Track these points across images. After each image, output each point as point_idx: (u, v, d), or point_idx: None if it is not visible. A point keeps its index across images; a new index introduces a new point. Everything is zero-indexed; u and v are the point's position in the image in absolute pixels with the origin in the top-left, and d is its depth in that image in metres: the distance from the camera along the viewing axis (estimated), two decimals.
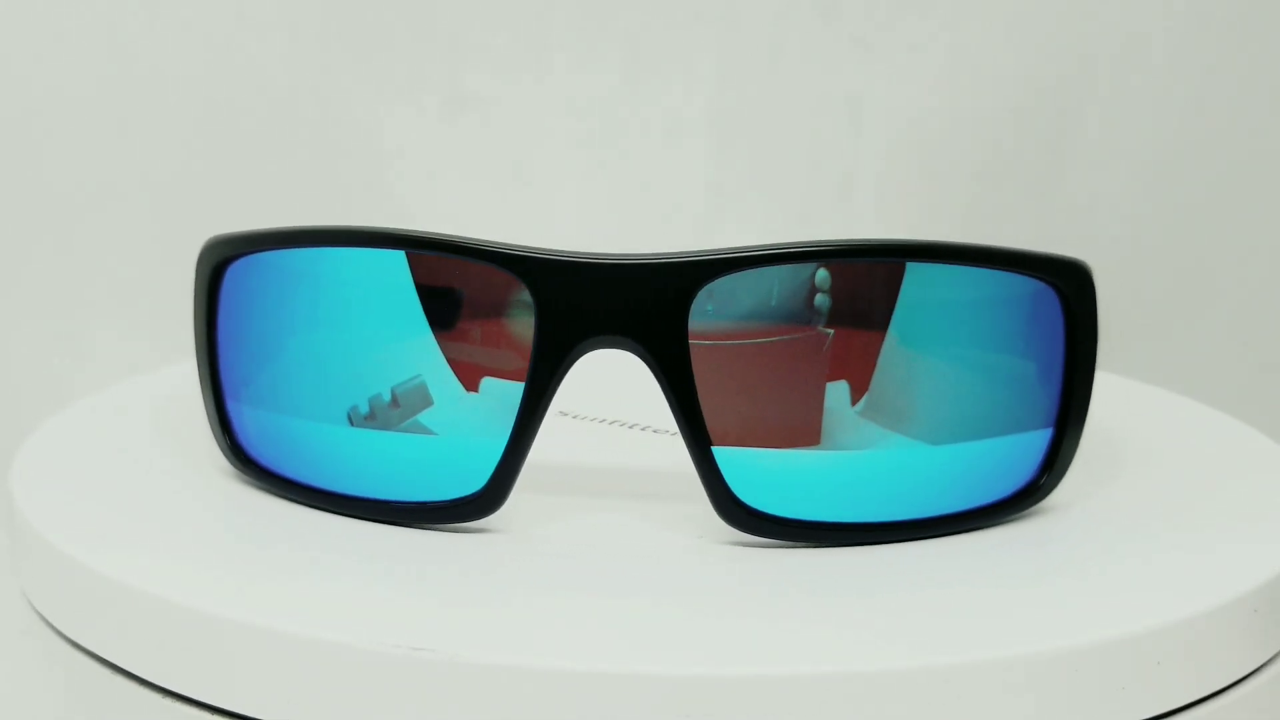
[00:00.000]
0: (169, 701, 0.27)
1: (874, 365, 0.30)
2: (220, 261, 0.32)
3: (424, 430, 0.30)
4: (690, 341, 0.29)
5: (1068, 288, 0.30)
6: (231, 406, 0.32)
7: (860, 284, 0.30)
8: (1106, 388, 0.42)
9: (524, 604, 0.27)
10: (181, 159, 0.53)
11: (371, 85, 0.53)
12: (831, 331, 0.30)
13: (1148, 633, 0.27)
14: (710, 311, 0.29)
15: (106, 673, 0.28)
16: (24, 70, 0.52)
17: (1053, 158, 0.56)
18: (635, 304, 0.29)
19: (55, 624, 0.30)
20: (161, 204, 0.53)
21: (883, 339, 0.30)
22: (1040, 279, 0.30)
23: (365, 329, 0.31)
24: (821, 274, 0.29)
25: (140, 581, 0.27)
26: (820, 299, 0.29)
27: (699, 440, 0.29)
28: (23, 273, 0.53)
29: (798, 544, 0.30)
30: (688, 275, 0.29)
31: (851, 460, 0.30)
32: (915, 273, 0.30)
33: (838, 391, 0.30)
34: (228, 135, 0.53)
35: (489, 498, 0.30)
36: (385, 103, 0.53)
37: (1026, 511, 0.32)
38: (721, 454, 0.29)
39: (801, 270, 0.29)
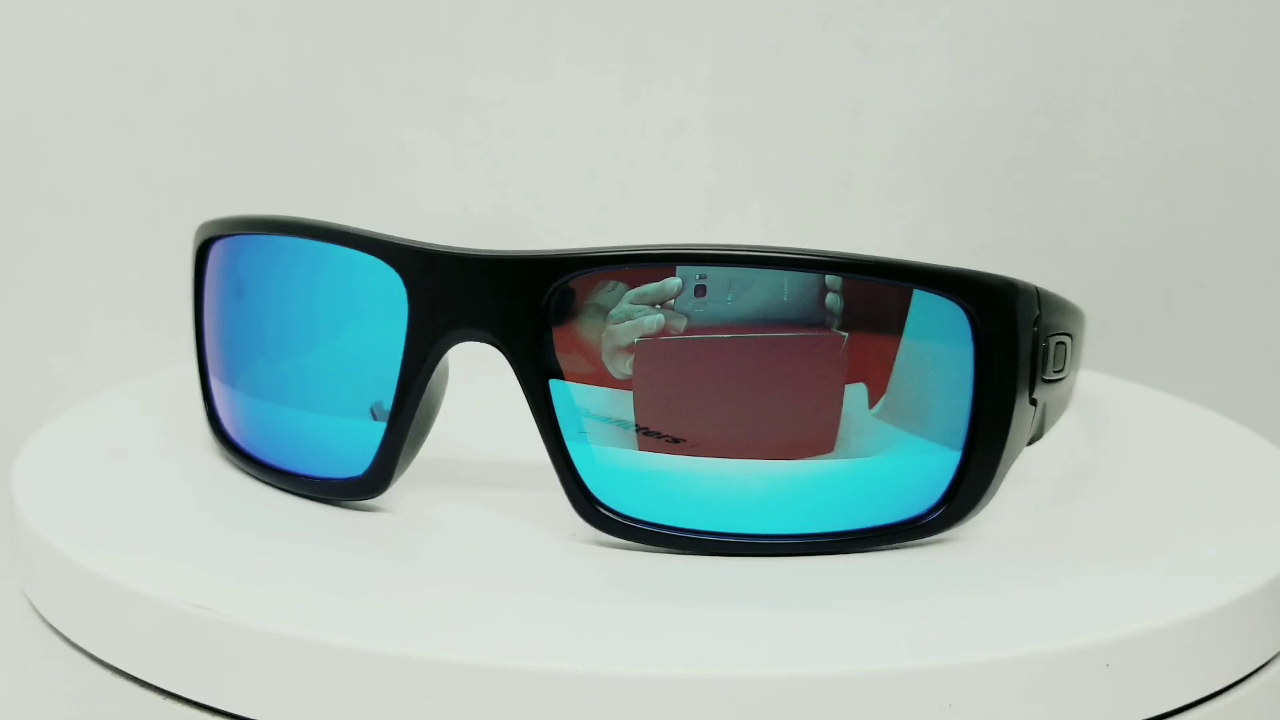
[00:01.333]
0: (168, 702, 0.27)
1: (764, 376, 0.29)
2: (203, 242, 0.34)
3: None
4: (550, 338, 0.29)
5: (976, 307, 0.29)
6: (212, 380, 0.34)
7: (752, 293, 0.29)
8: (1105, 390, 0.43)
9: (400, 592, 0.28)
10: (181, 160, 0.52)
11: (373, 88, 0.53)
12: (724, 337, 0.29)
13: (1144, 635, 0.27)
14: (591, 310, 0.29)
15: (106, 674, 0.28)
16: (23, 70, 0.52)
17: (1053, 160, 0.56)
18: (494, 298, 0.29)
19: (55, 625, 0.30)
20: (161, 205, 0.53)
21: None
22: (947, 297, 0.29)
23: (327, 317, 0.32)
24: (703, 280, 0.29)
25: (140, 583, 0.27)
26: (703, 306, 0.29)
27: (552, 436, 0.29)
28: (22, 274, 0.53)
29: (658, 549, 0.30)
30: (542, 271, 0.29)
31: (722, 469, 0.30)
32: (810, 285, 0.29)
33: (715, 399, 0.29)
34: (228, 137, 0.53)
35: (372, 481, 0.31)
36: (387, 105, 0.53)
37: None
38: (580, 451, 0.29)
39: (684, 274, 0.29)
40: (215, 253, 0.34)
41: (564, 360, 0.29)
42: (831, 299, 0.29)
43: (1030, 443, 0.31)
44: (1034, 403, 0.30)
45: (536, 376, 0.29)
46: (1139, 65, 0.55)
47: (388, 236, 0.30)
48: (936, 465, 0.29)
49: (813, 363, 0.29)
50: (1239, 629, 0.28)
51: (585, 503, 0.29)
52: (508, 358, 0.29)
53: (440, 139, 0.53)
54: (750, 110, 0.55)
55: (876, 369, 0.29)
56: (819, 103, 0.55)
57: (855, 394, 0.29)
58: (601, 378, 0.29)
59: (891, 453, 0.29)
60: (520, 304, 0.29)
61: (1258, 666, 0.29)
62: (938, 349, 0.29)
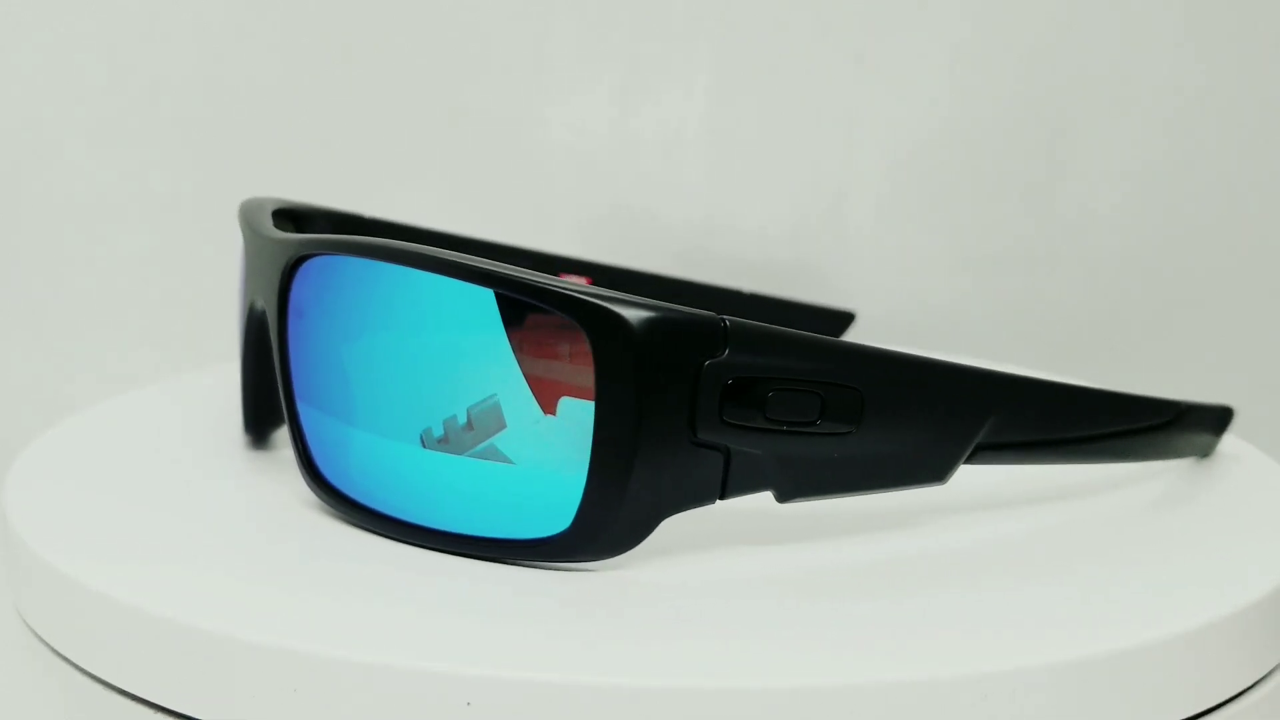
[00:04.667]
0: (162, 718, 0.27)
1: (443, 375, 0.30)
2: None
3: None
4: (289, 312, 0.31)
5: (593, 334, 0.28)
6: None
7: (427, 298, 0.30)
8: None
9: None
10: (179, 170, 0.53)
11: (371, 99, 0.53)
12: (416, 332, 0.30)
13: (1142, 648, 0.27)
14: (335, 292, 0.31)
15: (99, 689, 0.28)
16: (22, 81, 0.52)
17: (1049, 173, 0.55)
18: (263, 273, 0.32)
19: (49, 640, 0.30)
20: (157, 217, 0.53)
21: (450, 349, 0.30)
22: (575, 320, 0.28)
23: None
24: (406, 278, 0.29)
25: (134, 598, 0.28)
26: (403, 302, 0.30)
27: (287, 401, 0.32)
28: (17, 285, 0.53)
29: (358, 523, 0.31)
30: (286, 252, 0.31)
31: (409, 455, 0.30)
32: (472, 295, 0.29)
33: (414, 389, 0.30)
34: (225, 147, 0.53)
35: (249, 428, 0.35)
36: (385, 116, 0.53)
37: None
38: (306, 415, 0.31)
39: (391, 271, 0.30)
40: None
41: (298, 332, 0.31)
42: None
43: (784, 500, 0.29)
44: (716, 448, 0.28)
45: (281, 346, 0.31)
46: (1135, 78, 0.55)
47: (254, 216, 0.34)
48: (570, 491, 0.29)
49: (478, 367, 0.29)
50: (1238, 642, 0.28)
51: (302, 464, 0.32)
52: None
53: (438, 151, 0.53)
54: (746, 122, 0.55)
55: (538, 382, 0.29)
56: (815, 115, 0.55)
57: (509, 402, 0.29)
58: (325, 354, 0.31)
59: (543, 469, 0.29)
60: (273, 279, 0.31)
61: (1255, 681, 0.29)
62: (573, 373, 0.28)
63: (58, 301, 0.53)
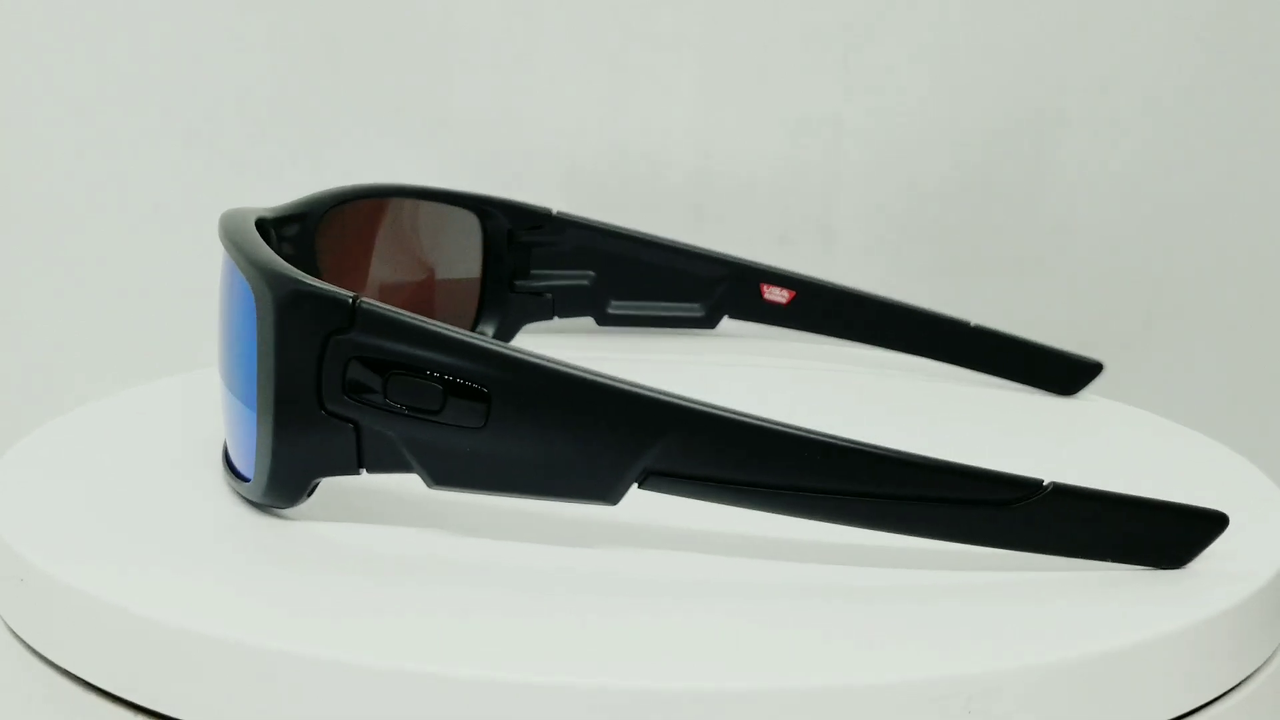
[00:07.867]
0: (140, 718, 0.28)
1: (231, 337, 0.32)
2: None
3: None
4: None
5: (258, 301, 0.30)
6: None
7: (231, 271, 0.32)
8: (1081, 408, 0.44)
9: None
10: (169, 176, 0.53)
11: (357, 105, 0.53)
12: None
13: (1131, 647, 0.27)
14: None
15: (81, 691, 0.29)
16: (15, 86, 0.52)
17: (1033, 180, 0.55)
18: None
19: (29, 641, 0.30)
20: (143, 220, 0.54)
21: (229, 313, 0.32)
22: (257, 286, 0.30)
23: None
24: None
25: (115, 599, 0.28)
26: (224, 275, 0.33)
27: None
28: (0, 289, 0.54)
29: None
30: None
31: (232, 406, 0.33)
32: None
33: (223, 347, 0.33)
34: (215, 152, 0.53)
35: None
36: (371, 123, 0.53)
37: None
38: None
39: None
40: None
41: None
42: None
43: (434, 485, 0.29)
44: (346, 420, 0.29)
45: None
46: (1119, 86, 0.55)
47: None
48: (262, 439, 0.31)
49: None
50: (1221, 643, 0.29)
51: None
52: None
53: (427, 160, 0.53)
54: (732, 126, 0.52)
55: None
56: (801, 120, 0.52)
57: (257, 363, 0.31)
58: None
59: (254, 421, 0.31)
60: None
61: (1239, 681, 0.30)
62: (247, 323, 0.30)
63: (41, 306, 0.54)
